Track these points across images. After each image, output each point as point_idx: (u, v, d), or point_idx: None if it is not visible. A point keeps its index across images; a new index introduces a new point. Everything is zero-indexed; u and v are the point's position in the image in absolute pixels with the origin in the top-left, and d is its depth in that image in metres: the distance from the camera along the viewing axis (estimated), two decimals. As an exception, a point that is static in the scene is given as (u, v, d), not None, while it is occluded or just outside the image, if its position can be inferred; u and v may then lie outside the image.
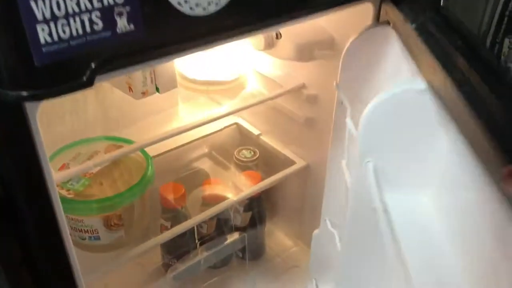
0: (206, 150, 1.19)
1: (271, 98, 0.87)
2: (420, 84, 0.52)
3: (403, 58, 0.64)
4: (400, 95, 0.53)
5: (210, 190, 0.99)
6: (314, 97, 0.89)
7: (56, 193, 0.56)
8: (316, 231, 0.89)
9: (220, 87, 0.87)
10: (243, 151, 1.03)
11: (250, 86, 0.95)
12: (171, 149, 1.02)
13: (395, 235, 0.52)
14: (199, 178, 1.03)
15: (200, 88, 0.86)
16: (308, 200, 1.02)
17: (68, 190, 0.73)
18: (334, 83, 0.70)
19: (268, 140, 1.04)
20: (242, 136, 1.10)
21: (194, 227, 0.98)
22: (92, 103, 0.91)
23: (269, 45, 0.83)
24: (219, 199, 0.91)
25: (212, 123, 1.07)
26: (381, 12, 0.67)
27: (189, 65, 0.88)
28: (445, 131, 0.51)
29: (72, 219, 0.72)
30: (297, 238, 1.09)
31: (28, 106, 0.45)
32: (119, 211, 0.73)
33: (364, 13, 0.68)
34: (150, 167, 0.78)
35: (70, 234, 0.74)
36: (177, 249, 0.97)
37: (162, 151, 1.01)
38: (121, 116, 0.92)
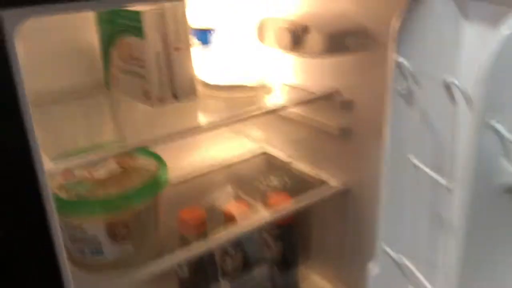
0: (233, 194, 1.09)
1: (302, 103, 0.78)
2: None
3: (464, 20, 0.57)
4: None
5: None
6: (349, 104, 0.80)
7: (45, 177, 0.47)
8: (371, 265, 0.73)
9: (243, 93, 0.78)
10: (272, 180, 0.93)
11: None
12: (193, 177, 0.93)
13: None
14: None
15: (222, 95, 0.78)
16: (349, 232, 0.88)
17: (70, 193, 0.63)
18: (394, 60, 0.61)
19: (300, 165, 0.93)
20: (271, 167, 1.00)
21: (216, 263, 0.85)
22: (107, 119, 0.85)
23: (295, 41, 0.76)
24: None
25: (238, 153, 1.01)
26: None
27: (211, 72, 0.81)
28: None
29: (72, 226, 0.62)
30: (337, 280, 0.93)
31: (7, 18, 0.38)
32: (125, 216, 0.62)
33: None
34: (163, 171, 0.68)
35: (68, 250, 0.64)
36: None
37: (183, 179, 0.92)
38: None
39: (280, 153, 0.98)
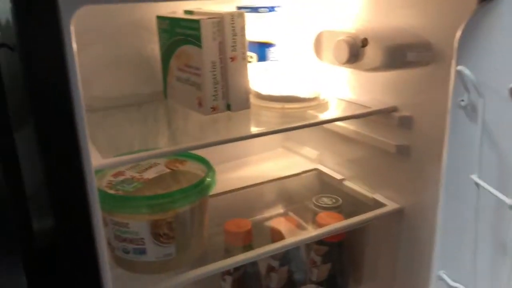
0: (281, 211, 1.07)
1: (357, 116, 0.76)
2: None
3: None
4: None
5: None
6: (408, 120, 0.76)
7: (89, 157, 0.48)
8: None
9: (297, 105, 0.77)
10: (323, 198, 0.90)
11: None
12: (241, 188, 0.92)
13: None
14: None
15: (276, 106, 0.77)
16: (402, 256, 0.83)
17: (117, 190, 0.64)
18: (454, 70, 0.57)
19: (353, 185, 0.90)
20: (323, 185, 0.97)
21: (261, 278, 0.83)
22: (162, 125, 0.86)
23: (354, 56, 0.74)
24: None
25: (291, 169, 0.99)
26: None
27: (265, 83, 0.80)
28: None
29: (116, 223, 0.62)
30: (389, 309, 0.88)
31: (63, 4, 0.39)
32: (169, 217, 0.62)
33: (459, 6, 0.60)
34: (210, 175, 0.68)
35: (113, 248, 0.64)
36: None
37: (231, 189, 0.91)
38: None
39: (332, 171, 0.95)
